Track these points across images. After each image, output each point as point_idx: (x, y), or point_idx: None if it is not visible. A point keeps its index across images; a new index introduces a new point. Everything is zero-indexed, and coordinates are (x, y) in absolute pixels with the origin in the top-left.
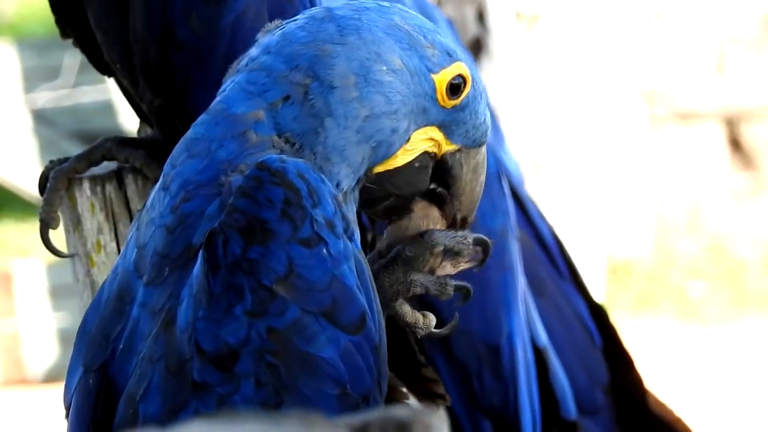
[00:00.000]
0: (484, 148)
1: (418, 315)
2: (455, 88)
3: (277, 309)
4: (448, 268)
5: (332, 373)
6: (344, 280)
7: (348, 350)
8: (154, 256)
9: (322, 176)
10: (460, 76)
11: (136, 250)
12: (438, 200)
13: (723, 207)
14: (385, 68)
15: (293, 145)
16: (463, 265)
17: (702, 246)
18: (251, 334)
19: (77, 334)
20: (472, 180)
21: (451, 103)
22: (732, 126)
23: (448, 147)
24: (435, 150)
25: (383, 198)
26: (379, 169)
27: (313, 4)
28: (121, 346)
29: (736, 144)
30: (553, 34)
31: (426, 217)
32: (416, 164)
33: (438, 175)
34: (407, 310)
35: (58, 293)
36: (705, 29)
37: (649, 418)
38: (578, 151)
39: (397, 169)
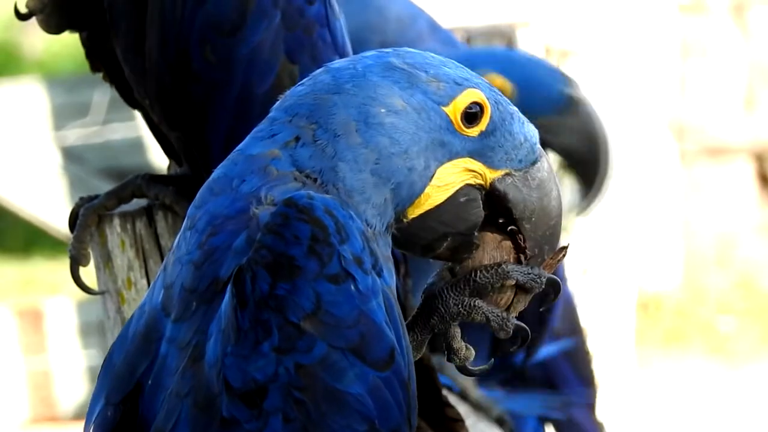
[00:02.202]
0: (544, 164)
1: (463, 344)
2: (471, 116)
3: (304, 345)
4: (519, 306)
5: (360, 409)
6: (372, 316)
7: (376, 386)
8: (182, 292)
9: (351, 213)
10: (475, 103)
11: (163, 290)
12: (508, 233)
13: (752, 242)
14: (384, 110)
15: (315, 180)
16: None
17: (731, 281)
18: (279, 370)
19: (102, 367)
20: (538, 200)
21: (473, 131)
22: (761, 161)
23: (493, 174)
24: (479, 181)
25: (440, 239)
26: (415, 211)
27: (333, 37)
28: (150, 383)
29: (765, 179)
30: (583, 70)
31: (499, 248)
32: (461, 198)
33: (495, 205)
34: (457, 334)
35: (88, 331)
36: (734, 64)
37: None
38: (610, 185)
39: (440, 208)
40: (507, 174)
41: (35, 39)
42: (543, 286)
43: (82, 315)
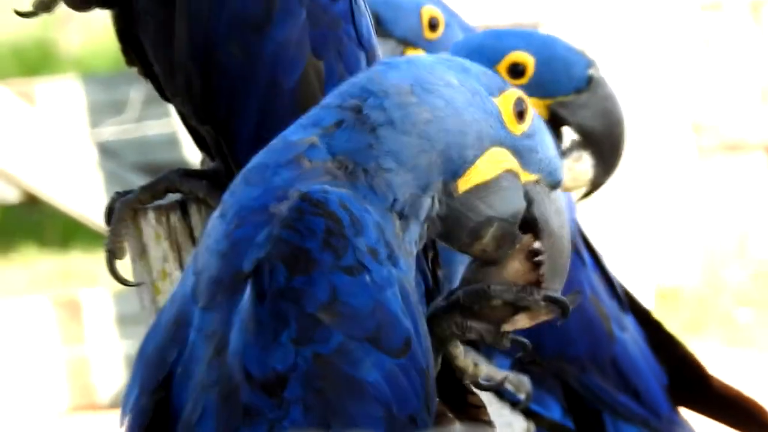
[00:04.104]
0: (560, 195)
1: (469, 361)
2: (519, 112)
3: (321, 336)
4: (522, 322)
5: (378, 396)
6: (388, 305)
7: (393, 373)
8: (209, 281)
9: (366, 206)
10: (521, 99)
11: (193, 276)
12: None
13: None
14: (442, 82)
15: (346, 168)
16: (543, 318)
17: (749, 273)
18: (298, 360)
19: (136, 356)
20: (557, 219)
21: (519, 128)
22: None
23: (526, 177)
24: (519, 180)
25: (487, 224)
26: (465, 185)
27: (358, 33)
28: (179, 370)
29: None
30: (602, 66)
31: (516, 275)
32: (504, 183)
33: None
34: (459, 353)
35: (124, 320)
36: (749, 61)
37: (715, 396)
38: (629, 181)
39: (487, 187)
40: (537, 181)
41: (72, 37)
42: (539, 302)
43: (119, 305)
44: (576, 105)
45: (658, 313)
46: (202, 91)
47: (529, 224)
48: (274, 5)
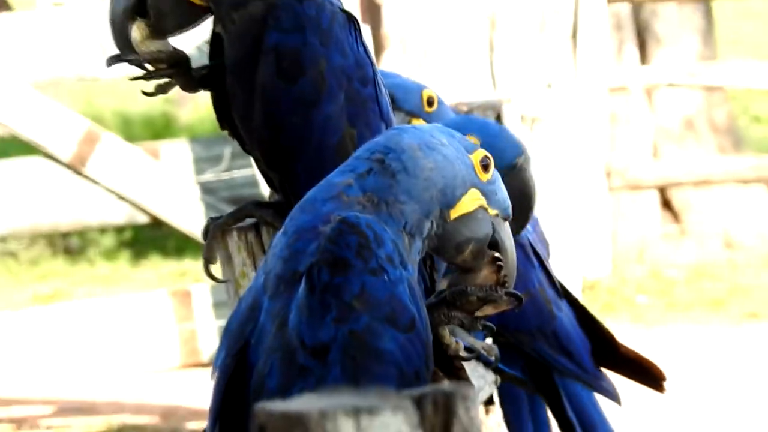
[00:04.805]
0: (508, 225)
1: (453, 340)
2: (485, 165)
3: (354, 317)
4: (488, 310)
5: (392, 359)
6: (399, 296)
7: (403, 344)
8: (275, 278)
9: (385, 227)
10: (486, 157)
11: (263, 275)
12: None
13: (658, 245)
14: (439, 142)
15: (373, 201)
16: (504, 307)
17: (645, 271)
18: (338, 334)
19: (223, 331)
20: (509, 242)
21: (485, 176)
22: (663, 191)
23: (491, 212)
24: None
25: (467, 242)
26: (454, 214)
27: (381, 109)
28: (253, 340)
29: (665, 203)
30: (547, 131)
31: (484, 279)
32: (479, 215)
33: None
34: (446, 335)
35: (218, 306)
36: (646, 128)
37: (622, 358)
38: (563, 208)
39: (467, 217)
40: (497, 215)
41: (185, 110)
42: (503, 297)
43: (214, 296)
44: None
45: (584, 299)
46: (272, 147)
47: (493, 244)
48: (322, 90)
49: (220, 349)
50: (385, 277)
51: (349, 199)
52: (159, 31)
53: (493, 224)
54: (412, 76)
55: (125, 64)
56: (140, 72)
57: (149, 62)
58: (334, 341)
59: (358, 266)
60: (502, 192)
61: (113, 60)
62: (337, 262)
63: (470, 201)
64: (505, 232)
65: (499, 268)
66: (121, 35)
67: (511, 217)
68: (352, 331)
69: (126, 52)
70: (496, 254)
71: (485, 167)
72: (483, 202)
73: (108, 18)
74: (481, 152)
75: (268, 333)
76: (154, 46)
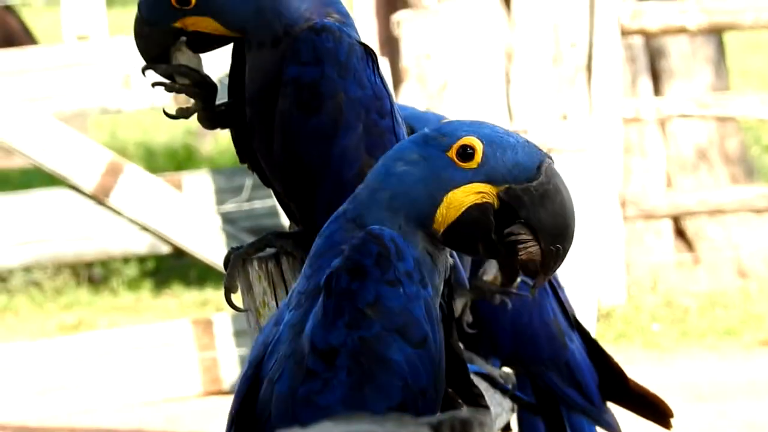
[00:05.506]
0: (545, 179)
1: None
2: (465, 155)
3: (366, 324)
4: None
5: (398, 370)
6: (413, 311)
7: (411, 358)
8: (297, 293)
9: (409, 244)
10: (466, 145)
11: (294, 293)
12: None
13: (673, 274)
14: (401, 163)
15: (358, 224)
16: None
17: (659, 299)
18: (348, 340)
19: (252, 347)
20: (540, 203)
21: (470, 165)
22: (677, 220)
23: (496, 189)
24: (486, 199)
25: (474, 241)
26: (440, 227)
27: (398, 140)
28: (270, 349)
29: (680, 232)
30: (564, 163)
31: (527, 256)
32: (474, 213)
33: (511, 212)
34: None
35: (239, 334)
36: (660, 159)
37: (633, 394)
38: (578, 236)
39: (460, 221)
40: (508, 188)
41: (206, 142)
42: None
43: (235, 324)
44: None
45: (599, 328)
46: (291, 178)
47: (518, 214)
48: (340, 122)
49: (245, 366)
50: (401, 290)
51: (346, 224)
52: (194, 47)
53: (503, 200)
54: (430, 108)
55: (156, 76)
56: (164, 80)
57: (177, 75)
58: (343, 346)
59: (375, 275)
60: (504, 164)
61: (146, 68)
62: (356, 268)
63: (458, 203)
64: (525, 196)
65: (529, 241)
66: (158, 43)
67: (534, 178)
68: (363, 337)
69: (157, 60)
70: (518, 232)
71: (465, 156)
72: (482, 192)
73: (146, 24)
74: (461, 143)
75: (284, 341)
76: (185, 59)
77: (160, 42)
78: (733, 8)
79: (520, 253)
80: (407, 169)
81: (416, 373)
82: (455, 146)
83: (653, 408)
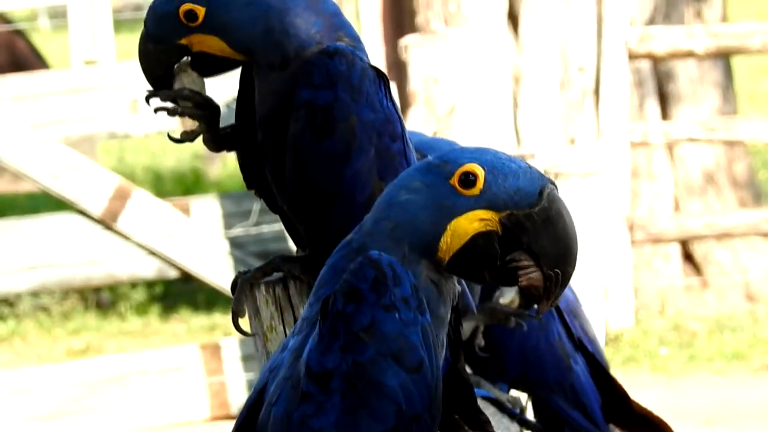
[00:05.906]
0: (546, 205)
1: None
2: (467, 182)
3: (360, 348)
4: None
5: (393, 395)
6: (409, 337)
7: (406, 383)
8: (302, 321)
9: (407, 270)
10: (468, 172)
11: (300, 321)
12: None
13: (681, 297)
14: (404, 191)
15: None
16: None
17: (667, 323)
18: (342, 363)
19: (260, 374)
20: (542, 228)
21: (472, 191)
22: (684, 244)
23: (498, 216)
24: (490, 226)
25: (480, 269)
26: (445, 256)
27: (409, 163)
28: (272, 374)
29: (687, 256)
30: (571, 187)
31: (531, 281)
32: (479, 241)
33: (514, 239)
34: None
35: (246, 359)
36: (667, 184)
37: (636, 416)
38: (586, 260)
39: (465, 250)
40: (510, 214)
41: (213, 167)
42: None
43: (244, 349)
44: None
45: (607, 352)
46: (302, 201)
47: (521, 240)
48: (353, 145)
49: (252, 391)
50: (397, 315)
51: (352, 252)
52: (199, 70)
53: (506, 226)
54: (438, 133)
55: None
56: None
57: (180, 98)
58: (338, 369)
59: (371, 299)
60: (506, 190)
61: (150, 95)
62: (352, 292)
63: (462, 231)
64: (528, 222)
65: (530, 267)
66: (162, 61)
67: (535, 204)
68: (357, 361)
69: (160, 80)
70: (519, 258)
71: (467, 183)
72: (485, 219)
73: (151, 40)
74: (462, 170)
75: (284, 366)
76: (189, 81)
77: (164, 60)
78: (740, 32)
79: (521, 279)
80: (410, 198)
81: (410, 399)
82: (457, 173)
83: (656, 429)
